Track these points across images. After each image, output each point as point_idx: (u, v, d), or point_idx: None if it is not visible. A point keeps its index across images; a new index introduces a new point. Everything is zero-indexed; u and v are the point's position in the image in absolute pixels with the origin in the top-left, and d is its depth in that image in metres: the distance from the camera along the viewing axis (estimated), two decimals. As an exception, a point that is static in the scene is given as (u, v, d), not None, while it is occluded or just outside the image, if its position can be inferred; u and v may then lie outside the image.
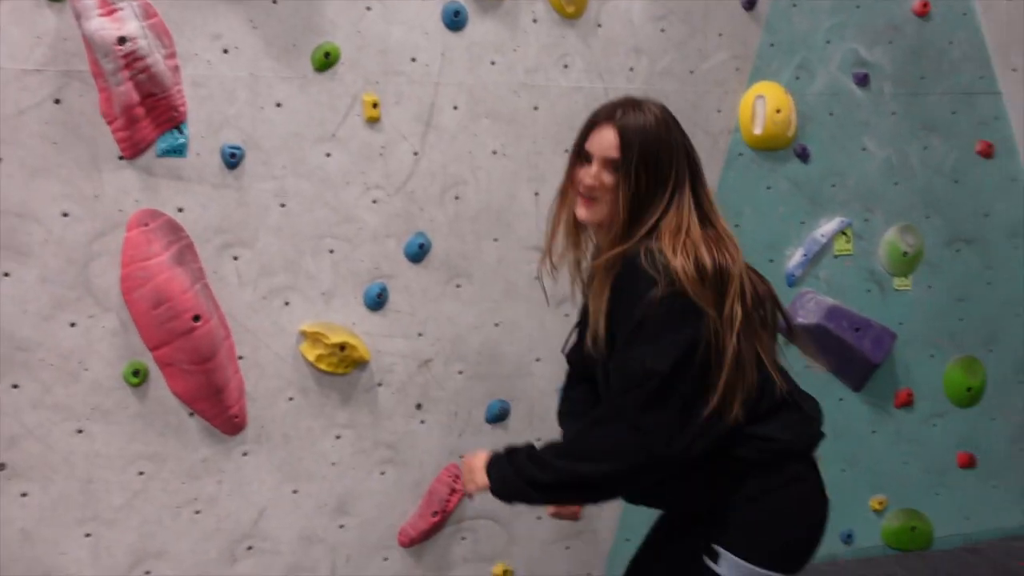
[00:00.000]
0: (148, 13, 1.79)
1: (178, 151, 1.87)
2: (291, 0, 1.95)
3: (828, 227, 2.57)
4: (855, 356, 2.57)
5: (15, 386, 1.79)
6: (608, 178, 1.48)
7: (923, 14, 2.60)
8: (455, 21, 2.12)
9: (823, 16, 2.52)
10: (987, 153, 2.69)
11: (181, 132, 1.87)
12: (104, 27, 1.70)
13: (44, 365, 1.81)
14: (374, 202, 2.09)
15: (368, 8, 2.03)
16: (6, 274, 1.75)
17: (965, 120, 2.67)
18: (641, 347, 1.35)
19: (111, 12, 1.72)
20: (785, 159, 2.53)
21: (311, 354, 2.04)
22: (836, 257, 2.60)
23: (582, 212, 1.51)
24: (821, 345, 2.55)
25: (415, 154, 2.12)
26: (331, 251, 2.06)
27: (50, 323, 1.80)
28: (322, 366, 2.05)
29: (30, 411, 1.81)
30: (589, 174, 1.49)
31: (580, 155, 1.52)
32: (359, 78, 2.04)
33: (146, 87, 1.78)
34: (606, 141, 1.48)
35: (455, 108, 2.15)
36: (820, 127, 2.55)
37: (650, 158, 1.47)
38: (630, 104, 1.51)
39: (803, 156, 2.54)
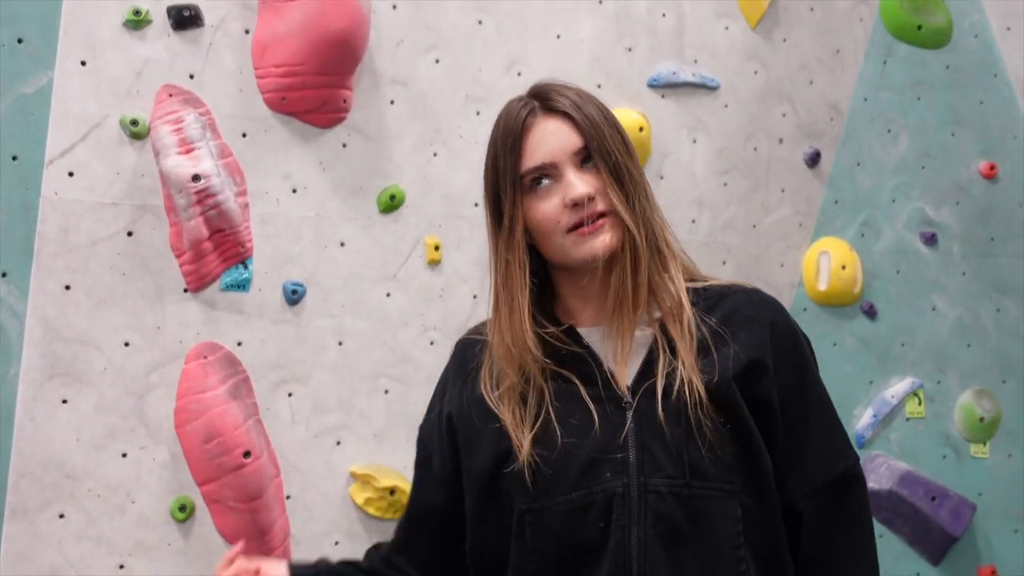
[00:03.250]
0: (223, 153, 1.86)
1: (242, 286, 1.90)
2: (360, 144, 2.01)
3: (899, 388, 2.48)
4: (932, 527, 2.41)
5: (61, 516, 1.77)
6: (593, 180, 1.12)
7: (990, 176, 2.58)
8: (519, 170, 2.17)
9: (887, 175, 2.52)
10: (1065, 317, 2.61)
11: (246, 267, 1.90)
12: (181, 164, 1.77)
13: (92, 496, 1.78)
14: (431, 344, 2.08)
15: (434, 154, 2.09)
16: (64, 401, 1.76)
17: (1039, 283, 2.61)
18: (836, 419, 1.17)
19: (189, 151, 1.80)
20: (852, 316, 2.47)
21: (360, 497, 1.99)
22: (908, 420, 2.49)
23: (602, 242, 1.11)
24: (895, 513, 2.41)
25: (474, 297, 2.12)
26: (386, 391, 2.03)
27: (101, 453, 1.79)
28: (371, 510, 1.99)
29: (73, 543, 1.77)
30: (573, 185, 1.09)
31: (519, 188, 1.11)
32: (422, 221, 2.08)
33: (215, 223, 1.83)
34: (553, 134, 1.12)
35: (516, 254, 2.16)
36: (887, 284, 2.50)
37: (614, 128, 1.14)
38: (534, 93, 1.16)
39: (870, 314, 2.48)
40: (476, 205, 2.13)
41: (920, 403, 2.50)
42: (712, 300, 1.21)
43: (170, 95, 1.83)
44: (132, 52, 1.80)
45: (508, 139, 1.16)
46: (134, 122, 1.79)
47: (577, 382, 1.16)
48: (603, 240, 1.13)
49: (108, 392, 1.80)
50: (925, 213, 2.54)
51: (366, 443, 2.01)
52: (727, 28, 2.40)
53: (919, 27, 2.56)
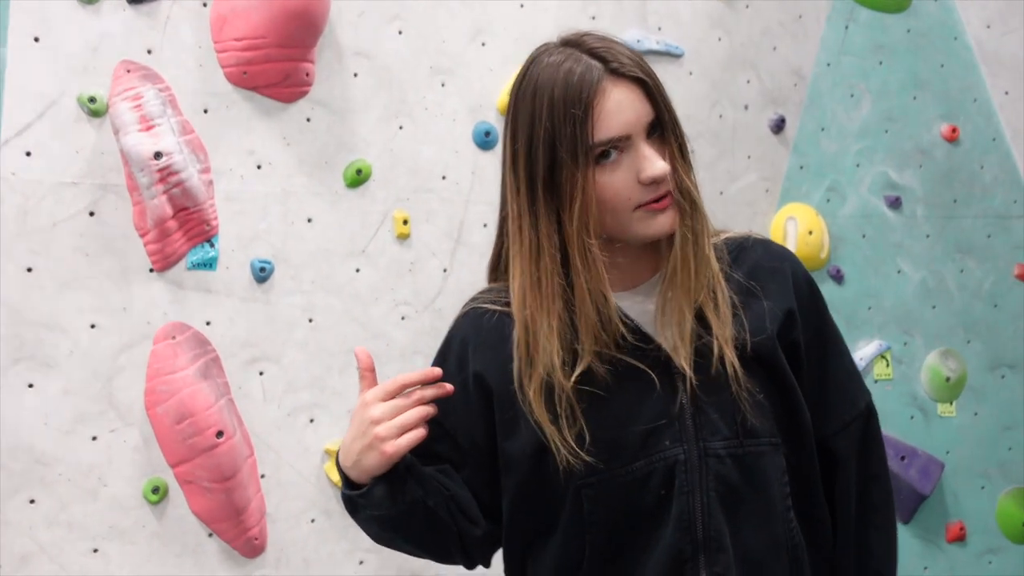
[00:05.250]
0: (185, 129, 1.83)
1: (208, 264, 1.88)
2: (325, 118, 1.99)
3: (867, 350, 2.51)
4: (902, 486, 2.45)
5: (31, 501, 1.74)
6: (661, 154, 1.06)
7: (952, 139, 2.61)
8: (486, 141, 2.15)
9: (851, 139, 2.54)
10: (1026, 276, 2.65)
11: (212, 246, 1.88)
12: (141, 142, 1.74)
13: (62, 480, 1.76)
14: (402, 319, 2.07)
15: (400, 127, 2.07)
16: (30, 385, 1.73)
17: (1001, 243, 2.64)
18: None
19: (149, 127, 1.76)
20: (819, 280, 2.48)
21: (335, 475, 1.98)
22: (876, 382, 2.52)
23: (669, 219, 1.07)
24: (865, 473, 2.44)
25: (444, 271, 2.11)
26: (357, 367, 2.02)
27: (71, 437, 1.77)
28: (346, 487, 1.98)
29: (44, 528, 1.75)
30: (650, 161, 1.04)
31: (586, 159, 1.03)
32: (390, 195, 2.06)
33: (179, 201, 1.80)
34: (628, 103, 1.04)
35: (484, 226, 2.15)
36: (854, 249, 2.52)
37: (669, 99, 1.08)
38: (591, 51, 1.06)
39: (837, 278, 2.50)
40: (444, 178, 2.12)
41: (888, 365, 2.53)
42: (733, 253, 1.18)
43: (128, 71, 1.79)
44: (87, 27, 1.76)
45: (575, 105, 1.04)
46: (92, 99, 1.76)
47: (626, 355, 1.11)
48: (670, 217, 1.08)
49: (76, 375, 1.77)
50: (889, 177, 2.56)
51: (340, 420, 2.00)
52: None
53: (880, -10, 2.57)
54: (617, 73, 1.06)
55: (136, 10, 1.81)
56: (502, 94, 2.17)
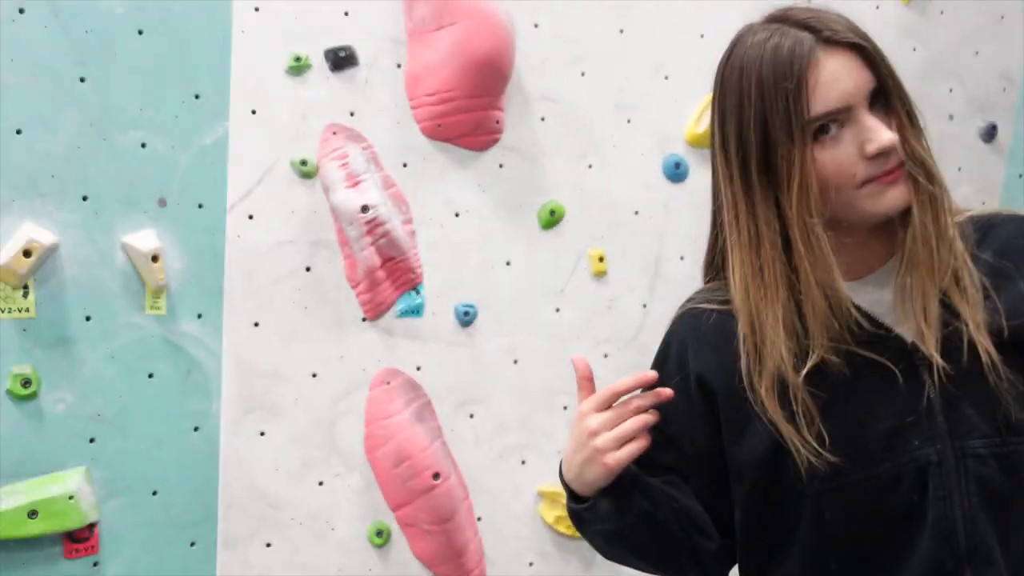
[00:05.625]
0: (387, 183, 1.92)
1: (415, 311, 1.94)
2: (516, 163, 2.03)
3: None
4: None
5: (268, 545, 1.82)
6: (887, 124, 0.99)
7: None
8: (676, 173, 2.13)
9: (1075, 139, 2.35)
10: None
11: (418, 293, 1.94)
12: (349, 197, 1.83)
13: (294, 524, 1.83)
14: (605, 356, 2.05)
15: (590, 166, 2.09)
16: (262, 433, 1.83)
17: None
18: None
19: (355, 184, 1.86)
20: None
21: (550, 516, 1.96)
22: None
23: (902, 193, 0.98)
24: None
25: (644, 306, 2.09)
26: (564, 407, 2.01)
27: (300, 482, 1.84)
28: (561, 528, 1.96)
29: (280, 570, 1.82)
30: (876, 131, 0.96)
31: (803, 136, 0.97)
32: (584, 234, 2.07)
33: (386, 251, 1.88)
34: (846, 72, 0.97)
35: (681, 258, 2.12)
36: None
37: (892, 67, 1.00)
38: (799, 22, 1.01)
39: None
40: (636, 213, 2.11)
41: None
42: (981, 232, 1.08)
43: (334, 133, 1.90)
44: (296, 96, 1.89)
45: (787, 78, 0.98)
46: (303, 162, 1.87)
47: (862, 347, 1.03)
48: (903, 190, 0.99)
49: (301, 422, 1.85)
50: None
51: (550, 460, 1.99)
52: (878, 7, 2.31)
53: (1089, -20, 2.39)
54: (830, 41, 0.99)
55: (338, 76, 1.92)
56: (689, 124, 2.15)
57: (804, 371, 1.03)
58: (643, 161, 2.12)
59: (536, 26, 2.07)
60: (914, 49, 2.32)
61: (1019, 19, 2.38)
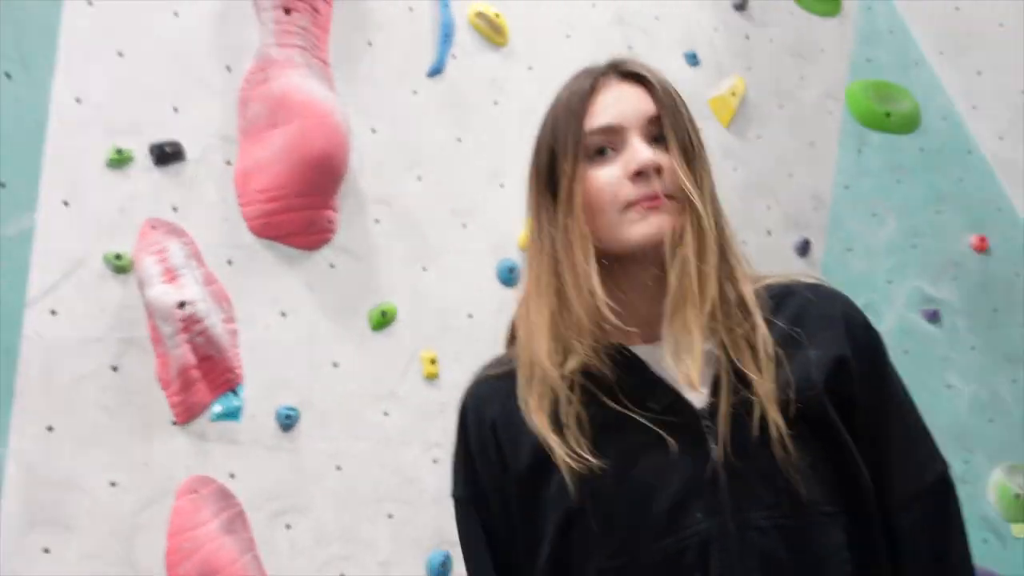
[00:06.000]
0: (208, 280, 1.84)
1: (233, 414, 1.83)
2: (348, 264, 1.99)
3: (926, 473, 2.38)
4: (987, 620, 2.26)
5: None
6: (662, 156, 0.99)
7: (982, 249, 2.57)
8: (510, 277, 2.14)
9: (879, 257, 2.51)
10: (1084, 383, 2.54)
11: (236, 395, 1.84)
12: (166, 292, 1.74)
13: (79, 654, 1.65)
14: (434, 462, 1.99)
15: (424, 268, 2.07)
16: (46, 550, 1.66)
17: (1051, 351, 2.55)
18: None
19: (173, 278, 1.77)
20: (866, 401, 2.40)
21: (370, 634, 1.86)
22: (941, 507, 2.37)
23: (662, 222, 0.98)
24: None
25: (476, 411, 2.05)
26: (390, 516, 1.93)
27: (90, 605, 1.67)
28: (383, 648, 1.86)
29: None
30: (638, 151, 0.98)
31: (581, 150, 1.00)
32: (417, 335, 2.03)
33: (203, 349, 1.78)
34: (626, 97, 1.01)
35: (514, 363, 2.11)
36: (897, 366, 2.43)
37: (687, 108, 1.02)
38: (609, 61, 1.05)
39: (884, 398, 2.41)
40: (470, 316, 2.10)
41: (951, 488, 2.39)
42: (776, 299, 1.06)
43: (153, 227, 1.81)
44: (115, 189, 1.80)
45: (574, 99, 1.02)
46: (118, 256, 1.77)
47: (636, 407, 1.00)
48: (663, 219, 0.98)
49: (94, 537, 1.69)
50: (924, 291, 2.51)
51: (373, 573, 1.89)
52: (700, 129, 2.43)
53: (887, 114, 2.61)
54: (623, 72, 1.04)
55: (163, 171, 1.85)
56: (524, 230, 2.18)
57: (566, 370, 1.01)
58: (477, 265, 2.13)
59: (374, 131, 2.07)
60: (735, 168, 2.45)
61: (829, 145, 2.57)
